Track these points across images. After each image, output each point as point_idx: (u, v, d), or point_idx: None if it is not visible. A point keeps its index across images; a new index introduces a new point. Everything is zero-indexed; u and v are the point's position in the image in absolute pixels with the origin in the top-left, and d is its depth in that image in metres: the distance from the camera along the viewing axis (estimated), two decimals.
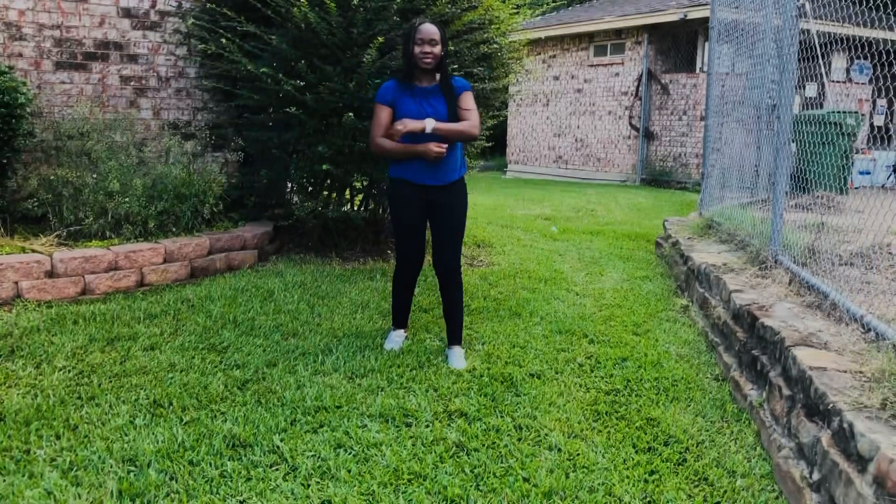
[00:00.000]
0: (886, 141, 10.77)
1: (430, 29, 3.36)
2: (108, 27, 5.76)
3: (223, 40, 5.17)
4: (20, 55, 5.39)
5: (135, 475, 2.43)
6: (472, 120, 3.46)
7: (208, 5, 5.48)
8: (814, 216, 4.59)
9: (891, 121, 13.64)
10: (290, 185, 6.38)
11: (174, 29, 6.06)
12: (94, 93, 5.73)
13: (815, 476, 2.33)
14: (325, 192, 6.00)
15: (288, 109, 5.09)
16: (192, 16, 5.68)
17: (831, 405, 2.33)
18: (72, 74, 5.64)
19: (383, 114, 3.45)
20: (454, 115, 3.44)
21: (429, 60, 3.36)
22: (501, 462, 2.64)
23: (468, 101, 3.48)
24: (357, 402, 3.08)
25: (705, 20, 10.11)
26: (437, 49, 3.36)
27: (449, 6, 5.27)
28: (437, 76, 3.47)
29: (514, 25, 6.24)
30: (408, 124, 3.31)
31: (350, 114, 5.00)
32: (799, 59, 4.44)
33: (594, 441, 2.82)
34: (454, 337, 3.69)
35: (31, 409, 2.88)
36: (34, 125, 5.27)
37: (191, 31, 5.87)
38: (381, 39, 4.87)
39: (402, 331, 3.89)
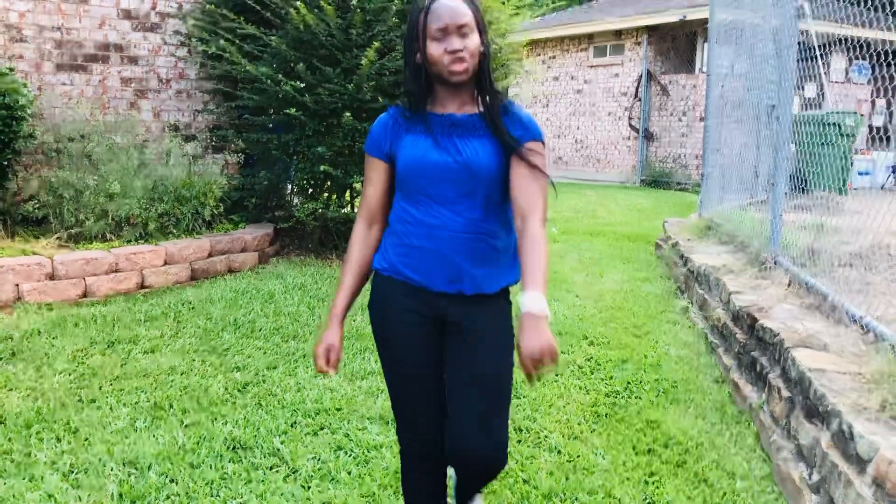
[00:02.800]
0: (886, 142, 10.77)
1: (452, 7, 1.70)
2: (109, 29, 5.77)
3: (223, 41, 5.19)
4: (21, 57, 5.39)
5: (135, 478, 2.44)
6: (542, 221, 1.76)
7: (208, 7, 5.50)
8: (813, 217, 4.59)
9: (890, 121, 13.65)
10: (290, 186, 6.39)
11: (174, 30, 6.06)
12: (94, 94, 5.74)
13: (815, 477, 2.33)
14: (326, 194, 6.01)
15: (288, 111, 5.10)
16: (193, 17, 5.69)
17: (831, 406, 2.34)
18: (72, 76, 5.64)
19: (372, 174, 1.86)
20: (507, 171, 1.76)
21: (462, 66, 1.69)
22: None
23: (538, 188, 1.73)
24: (357, 404, 3.09)
25: (704, 21, 10.10)
26: (475, 41, 1.71)
27: None
28: (476, 94, 1.78)
29: (513, 26, 6.25)
30: None
31: (348, 114, 5.01)
32: (798, 60, 4.44)
33: (594, 443, 2.83)
34: (463, 495, 2.03)
35: (31, 412, 2.88)
36: (35, 127, 5.27)
37: (191, 32, 5.88)
38: (377, 44, 4.88)
39: None
